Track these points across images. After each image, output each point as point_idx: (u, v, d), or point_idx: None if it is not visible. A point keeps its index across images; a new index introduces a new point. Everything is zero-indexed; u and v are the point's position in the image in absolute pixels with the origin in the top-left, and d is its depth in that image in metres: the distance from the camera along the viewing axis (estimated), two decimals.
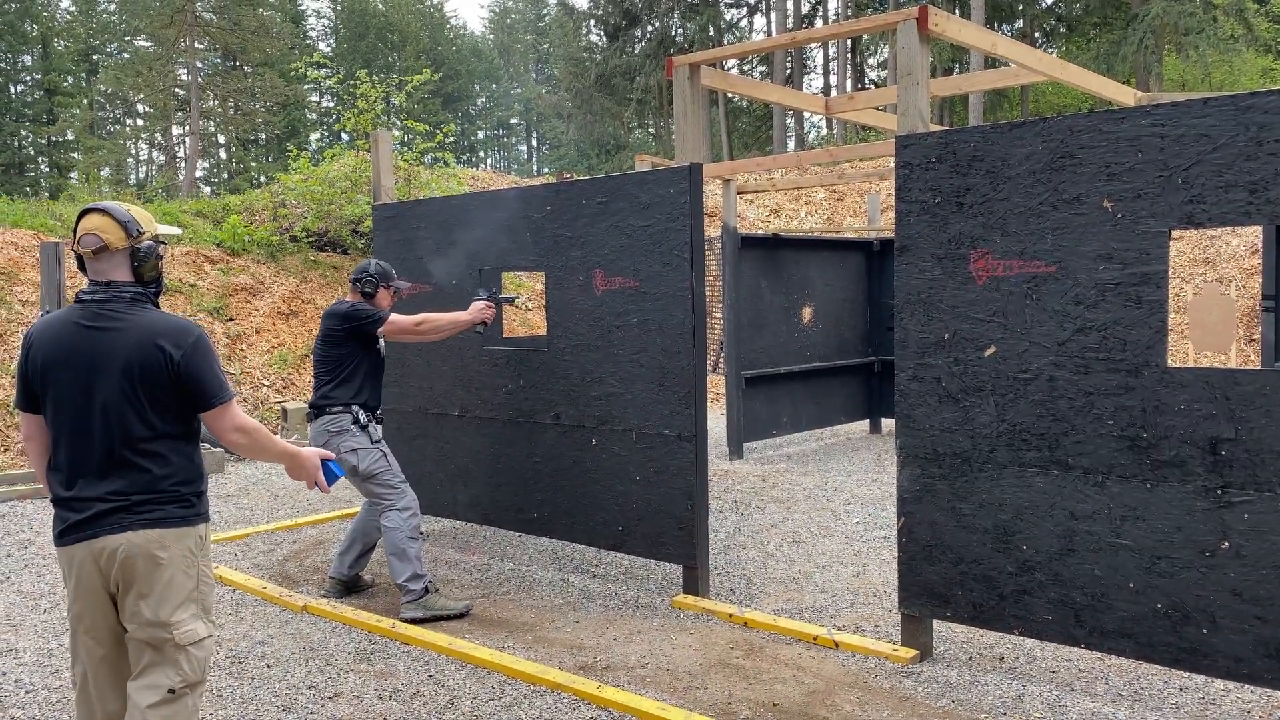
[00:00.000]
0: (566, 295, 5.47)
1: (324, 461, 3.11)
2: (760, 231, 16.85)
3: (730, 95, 37.93)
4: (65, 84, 49.45)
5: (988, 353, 4.00)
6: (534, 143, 69.70)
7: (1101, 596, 3.77)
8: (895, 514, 4.35)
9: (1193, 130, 3.49)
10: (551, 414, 5.58)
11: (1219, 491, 3.49)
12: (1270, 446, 3.37)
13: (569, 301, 5.46)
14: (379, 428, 5.16)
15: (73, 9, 52.71)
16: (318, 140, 55.38)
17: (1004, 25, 36.95)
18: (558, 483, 5.58)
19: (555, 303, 5.52)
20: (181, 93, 40.41)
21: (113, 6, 51.79)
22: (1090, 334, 3.74)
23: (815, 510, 7.13)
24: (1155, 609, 3.65)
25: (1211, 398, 3.48)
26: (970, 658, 4.29)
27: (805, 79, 42.74)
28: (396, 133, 15.48)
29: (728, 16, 41.22)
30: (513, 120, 68.61)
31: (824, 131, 42.14)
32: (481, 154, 69.19)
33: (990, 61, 26.38)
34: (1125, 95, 5.43)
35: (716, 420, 11.32)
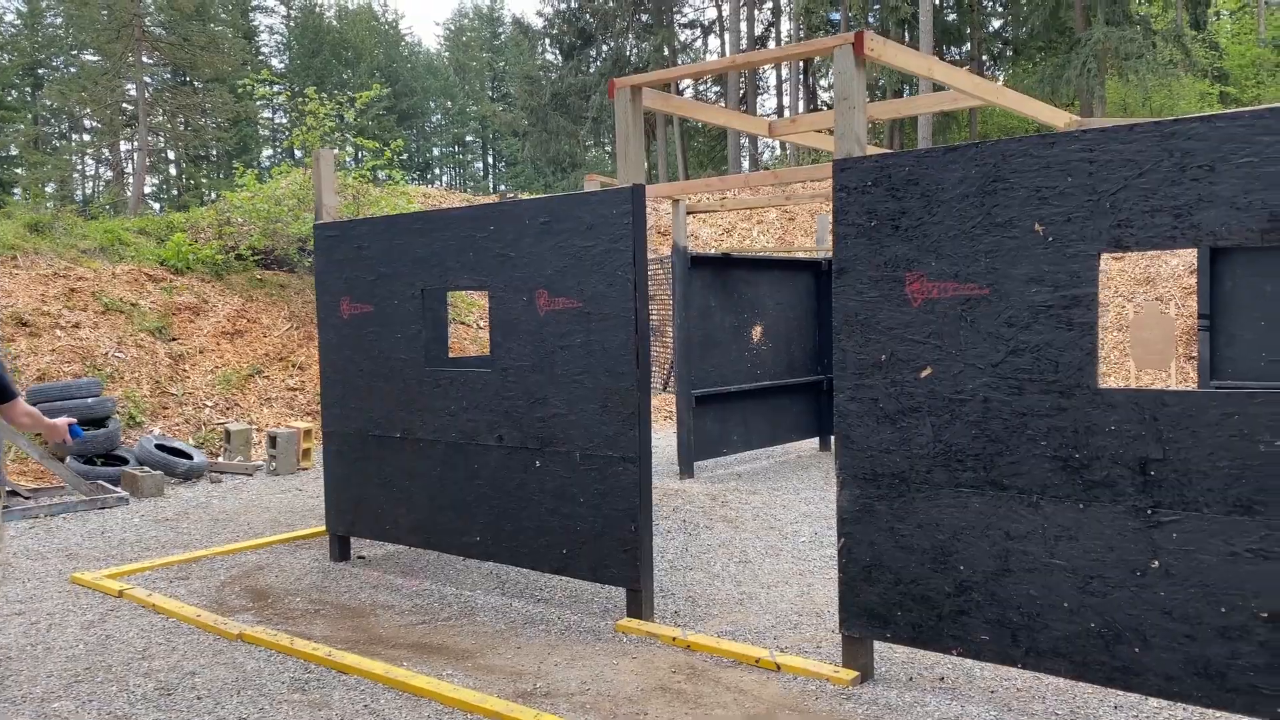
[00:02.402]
0: (510, 315, 5.43)
1: (70, 425, 4.29)
2: (713, 251, 16.93)
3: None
4: (9, 98, 48.46)
5: (923, 374, 4.02)
6: (490, 160, 69.56)
7: (1037, 616, 3.79)
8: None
9: (1120, 155, 3.55)
10: (495, 436, 5.52)
11: (1149, 511, 3.54)
12: (1197, 467, 3.43)
13: (513, 322, 5.42)
14: None
15: (17, 23, 51.72)
16: (269, 157, 54.83)
17: (952, 48, 37.64)
18: (501, 506, 5.51)
19: (499, 323, 5.48)
20: (130, 108, 39.80)
21: (59, 20, 50.89)
22: (1023, 355, 3.78)
23: (763, 529, 7.13)
24: (1089, 628, 3.68)
25: (1140, 419, 3.53)
26: (911, 678, 4.30)
27: (759, 99, 43.18)
28: (350, 149, 15.35)
29: (682, 37, 41.56)
30: (469, 137, 68.45)
31: (778, 152, 42.55)
32: (437, 171, 68.90)
33: (941, 85, 26.88)
34: (1059, 119, 5.53)
35: (668, 439, 11.32)
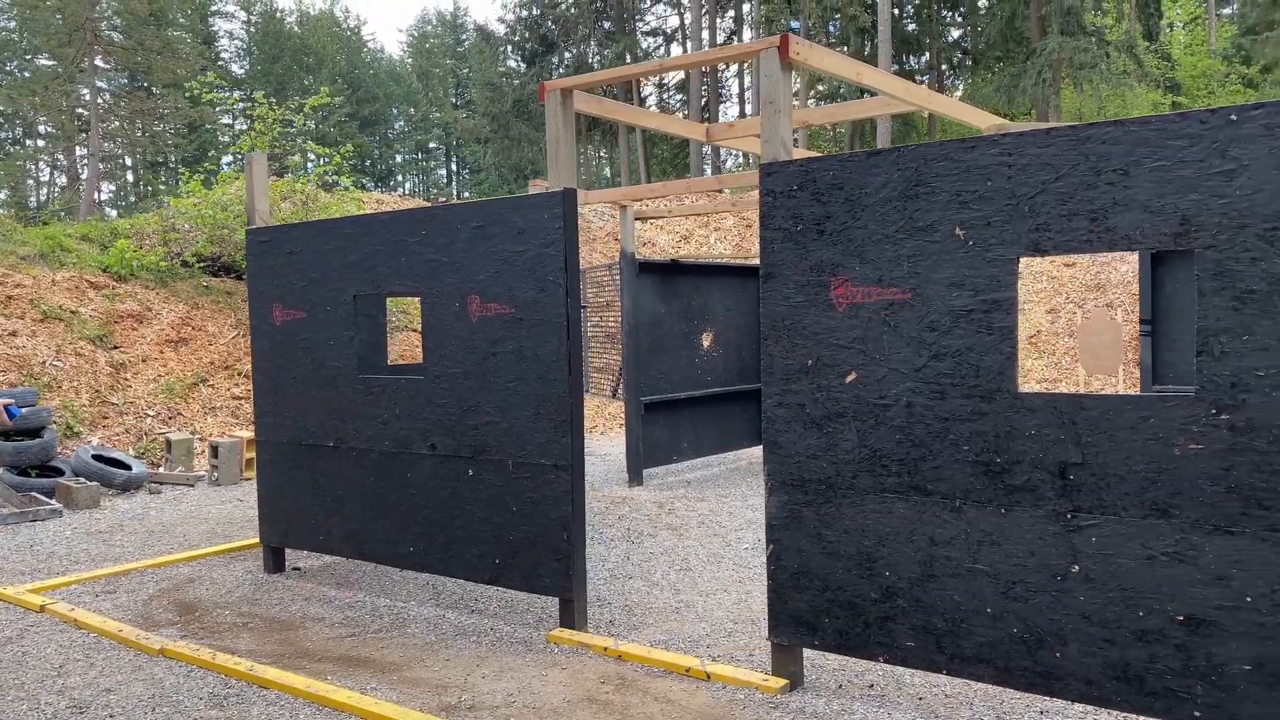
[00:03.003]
0: (443, 322, 5.35)
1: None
2: (671, 257, 16.90)
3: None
4: None
5: (849, 379, 4.00)
6: (454, 167, 69.22)
7: (961, 622, 3.78)
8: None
9: (1037, 160, 3.55)
10: (428, 444, 5.44)
11: (1068, 515, 3.53)
12: (1114, 470, 3.42)
13: (445, 328, 5.34)
14: None
15: None
16: (229, 163, 54.17)
17: (911, 58, 38.02)
18: (434, 515, 5.43)
19: (431, 329, 5.40)
20: (84, 113, 39.18)
21: (13, 24, 50.00)
22: (945, 360, 3.76)
23: (707, 537, 7.09)
24: (1012, 633, 3.66)
25: (1059, 423, 3.53)
26: (840, 686, 4.26)
27: (721, 107, 43.32)
28: (310, 155, 15.11)
29: (644, 45, 41.63)
30: (432, 144, 68.08)
31: (739, 159, 42.70)
32: (400, 178, 68.46)
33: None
34: (986, 122, 5.55)
35: (620, 447, 11.26)
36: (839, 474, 4.05)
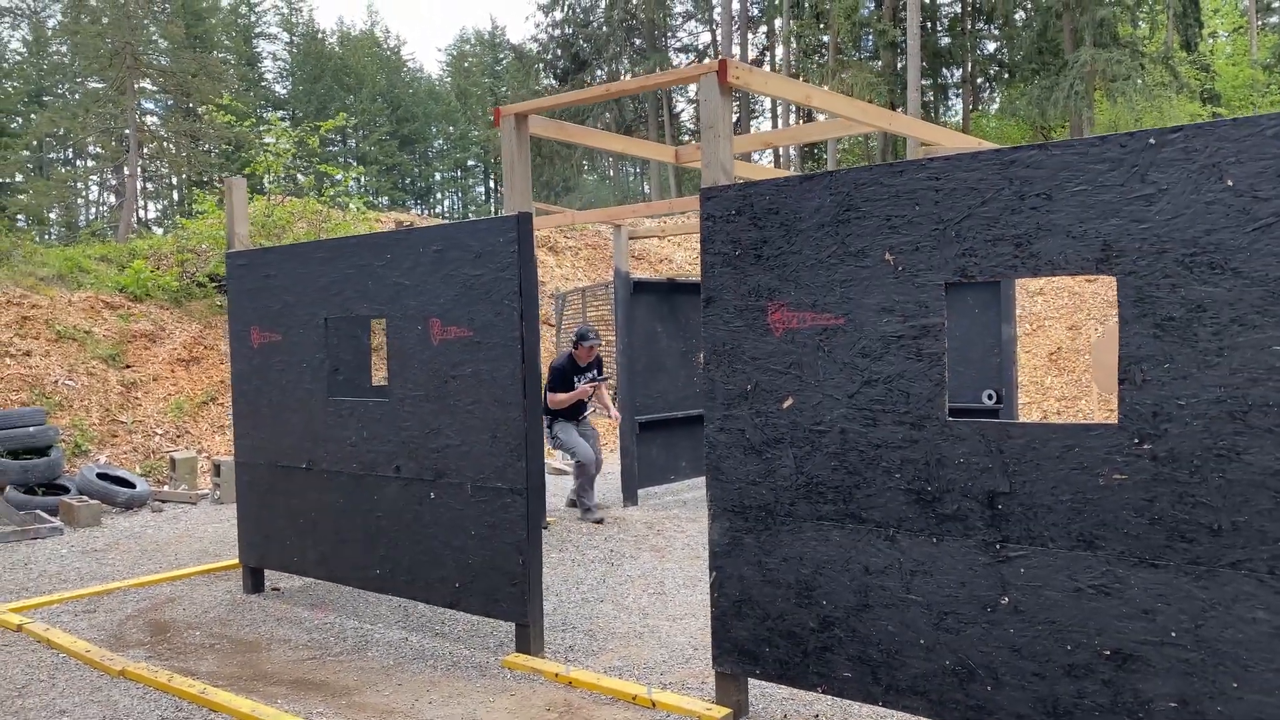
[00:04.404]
0: (406, 344, 5.38)
1: None
2: (670, 276, 16.89)
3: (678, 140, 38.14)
4: (13, 126, 48.90)
5: (785, 404, 3.95)
6: (492, 184, 69.81)
7: (896, 653, 3.70)
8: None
9: (964, 184, 3.49)
10: (393, 467, 5.46)
11: (998, 546, 3.45)
12: (1041, 500, 3.34)
13: (408, 350, 5.37)
14: None
15: (23, 50, 52.37)
16: (270, 181, 55.19)
17: (944, 70, 37.73)
18: (398, 538, 5.45)
19: (396, 352, 5.43)
20: (129, 133, 40.15)
21: (64, 48, 51.43)
22: (876, 386, 3.71)
23: (688, 559, 7.04)
24: (944, 666, 3.59)
25: (987, 450, 3.46)
26: (785, 716, 4.20)
27: (753, 123, 43.29)
28: (341, 177, 15.27)
29: (675, 62, 41.75)
30: (470, 162, 68.76)
31: None
32: (440, 195, 69.21)
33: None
34: (955, 142, 5.48)
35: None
36: (778, 501, 4.00)
